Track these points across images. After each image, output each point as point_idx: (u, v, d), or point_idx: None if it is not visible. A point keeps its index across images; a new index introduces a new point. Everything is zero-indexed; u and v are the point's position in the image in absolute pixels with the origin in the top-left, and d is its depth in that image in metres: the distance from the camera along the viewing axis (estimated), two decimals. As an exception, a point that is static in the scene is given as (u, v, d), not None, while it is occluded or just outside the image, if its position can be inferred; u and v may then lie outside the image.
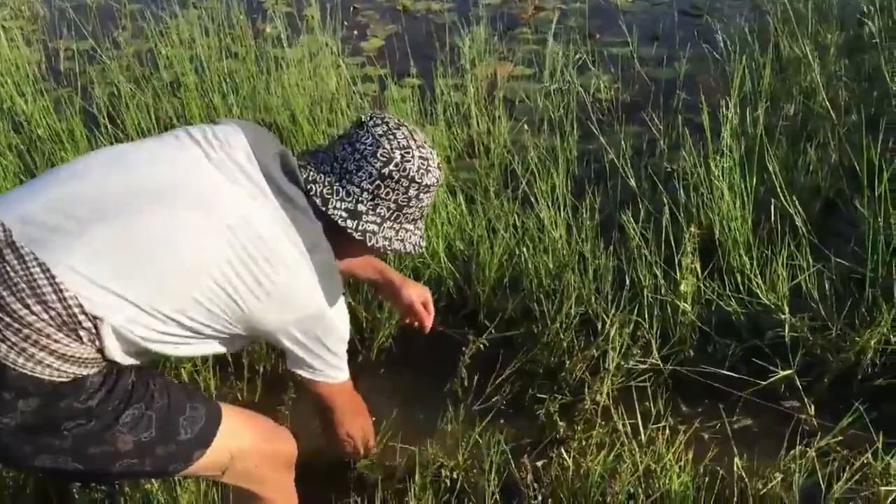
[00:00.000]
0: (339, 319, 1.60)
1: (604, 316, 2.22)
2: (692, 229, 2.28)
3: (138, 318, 1.38)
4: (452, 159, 3.22)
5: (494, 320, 2.43)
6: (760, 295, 2.27)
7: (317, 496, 1.92)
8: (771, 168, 2.53)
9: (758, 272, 2.30)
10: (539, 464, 1.96)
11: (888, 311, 2.08)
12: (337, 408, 1.80)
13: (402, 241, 1.64)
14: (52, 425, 1.37)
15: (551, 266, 2.44)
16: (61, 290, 1.31)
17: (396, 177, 1.56)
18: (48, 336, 1.31)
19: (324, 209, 1.54)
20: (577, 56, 3.77)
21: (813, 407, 2.10)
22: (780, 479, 1.85)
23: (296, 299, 1.50)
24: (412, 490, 1.87)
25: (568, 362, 2.23)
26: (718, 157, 2.49)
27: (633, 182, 2.71)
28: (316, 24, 3.72)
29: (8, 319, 1.30)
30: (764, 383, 2.11)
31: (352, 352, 2.43)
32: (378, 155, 1.55)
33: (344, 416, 1.84)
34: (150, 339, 1.42)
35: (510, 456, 1.92)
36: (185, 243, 1.40)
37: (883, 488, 1.76)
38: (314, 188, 1.55)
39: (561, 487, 1.87)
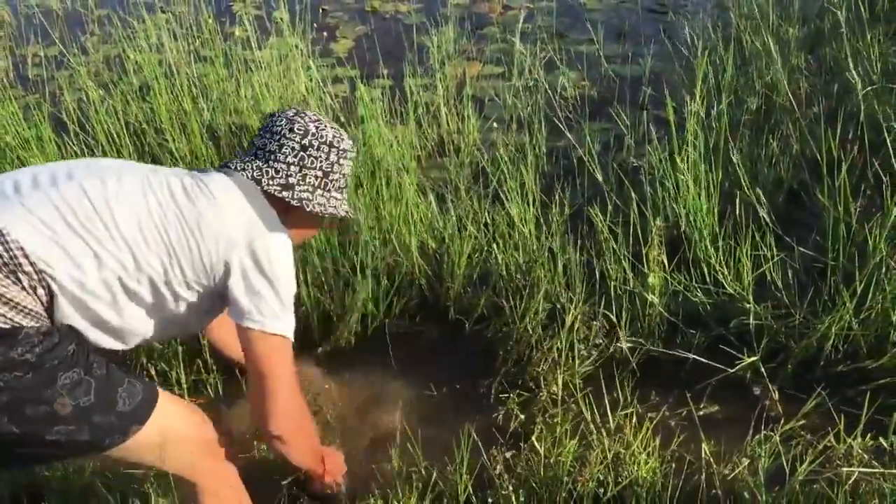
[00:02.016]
0: (280, 247, 1.64)
1: (571, 309, 2.25)
2: (658, 222, 2.32)
3: (85, 266, 1.45)
4: (423, 158, 3.25)
5: (465, 317, 2.46)
6: (726, 285, 2.32)
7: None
8: (735, 161, 2.57)
9: (723, 263, 2.35)
10: (509, 455, 1.99)
11: (849, 299, 2.13)
12: (273, 374, 1.63)
13: (334, 207, 1.78)
14: None
15: (521, 262, 2.47)
16: (3, 235, 1.39)
17: (316, 144, 1.73)
18: None
19: (259, 188, 1.68)
20: (545, 54, 3.81)
21: (777, 393, 2.15)
22: (746, 463, 1.90)
23: (231, 219, 1.60)
24: (382, 490, 1.89)
25: (535, 356, 2.26)
26: (683, 152, 2.54)
27: (600, 177, 2.75)
28: (285, 26, 3.73)
29: None
30: (730, 371, 2.15)
31: (318, 345, 2.47)
32: (295, 129, 1.73)
33: (279, 386, 1.65)
34: (99, 292, 1.48)
35: (482, 449, 1.95)
36: (123, 195, 1.53)
37: (845, 469, 1.80)
38: (245, 174, 1.69)
39: (533, 477, 1.90)
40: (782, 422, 1.97)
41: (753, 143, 2.91)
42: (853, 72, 2.80)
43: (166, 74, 3.50)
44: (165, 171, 1.66)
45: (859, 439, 1.85)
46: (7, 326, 1.38)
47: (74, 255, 1.45)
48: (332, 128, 1.78)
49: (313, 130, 1.74)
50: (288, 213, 1.72)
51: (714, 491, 1.91)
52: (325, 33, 4.58)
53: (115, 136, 3.20)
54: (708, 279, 2.36)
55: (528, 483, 1.91)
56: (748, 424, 2.02)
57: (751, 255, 2.30)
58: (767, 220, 2.43)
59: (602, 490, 1.86)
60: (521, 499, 1.87)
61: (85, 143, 3.23)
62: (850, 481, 1.79)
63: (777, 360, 2.23)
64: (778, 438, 1.87)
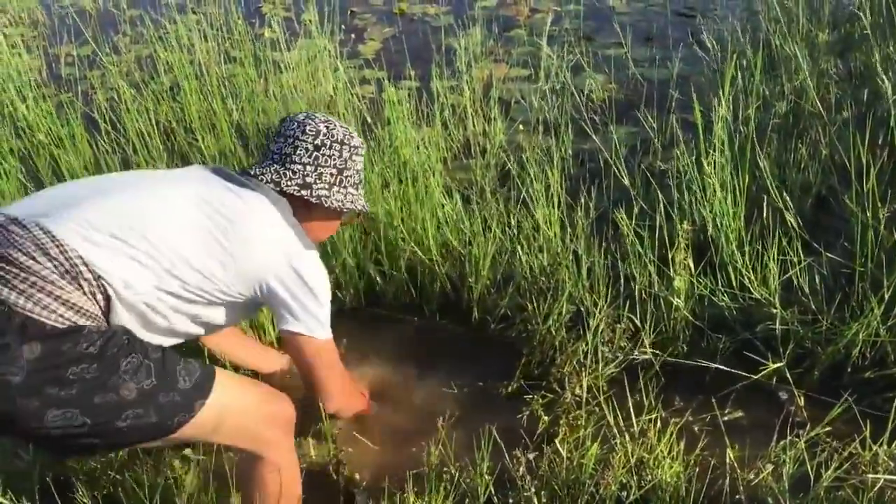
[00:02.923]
0: (316, 263, 1.76)
1: (595, 312, 2.25)
2: (685, 226, 2.31)
3: (136, 273, 1.53)
4: (449, 160, 3.26)
5: (489, 317, 2.47)
6: (752, 289, 2.31)
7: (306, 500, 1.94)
8: (763, 165, 2.56)
9: (750, 267, 2.34)
10: (532, 456, 1.99)
11: (877, 305, 2.12)
12: (322, 369, 1.82)
13: (352, 202, 1.88)
14: (57, 373, 1.41)
15: (545, 264, 2.47)
16: (62, 245, 1.47)
17: (328, 143, 1.82)
18: (52, 283, 1.44)
19: (278, 190, 1.77)
20: (572, 57, 3.81)
21: (803, 399, 2.14)
22: (770, 469, 1.89)
23: (272, 236, 1.70)
24: (409, 489, 1.90)
25: (559, 358, 2.26)
26: (711, 156, 2.53)
27: (626, 181, 2.75)
28: (314, 27, 3.76)
29: (15, 270, 1.42)
30: (755, 376, 2.14)
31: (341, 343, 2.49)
32: (307, 131, 1.82)
33: (329, 379, 1.85)
34: (149, 298, 1.55)
35: (504, 449, 1.95)
36: (171, 210, 1.62)
37: (870, 476, 1.79)
38: (264, 178, 1.78)
39: (554, 479, 1.90)
40: (808, 428, 1.96)
41: (782, 147, 2.89)
42: (882, 76, 2.77)
43: (196, 75, 3.54)
44: (207, 182, 1.73)
45: (885, 446, 1.84)
46: (71, 326, 1.44)
47: (126, 264, 1.52)
48: (342, 127, 1.87)
49: (324, 131, 1.83)
50: (309, 211, 1.83)
51: (738, 496, 1.90)
52: (352, 35, 4.61)
53: (145, 134, 3.24)
54: (734, 284, 2.35)
55: (550, 485, 1.91)
56: (773, 430, 2.00)
57: (778, 259, 2.29)
58: (795, 224, 2.42)
59: (625, 493, 1.86)
60: (543, 500, 1.88)
61: (116, 141, 3.28)
62: (876, 488, 1.78)
63: (803, 365, 2.22)
64: (803, 444, 1.86)
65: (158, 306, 1.59)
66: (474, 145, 3.29)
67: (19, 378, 1.38)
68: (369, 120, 3.33)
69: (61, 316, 1.43)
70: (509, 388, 2.30)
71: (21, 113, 3.51)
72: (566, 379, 2.19)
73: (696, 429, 2.11)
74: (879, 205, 2.33)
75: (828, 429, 1.95)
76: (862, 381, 2.17)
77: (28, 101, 3.48)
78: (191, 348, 2.17)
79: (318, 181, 1.82)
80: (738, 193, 2.47)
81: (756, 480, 1.89)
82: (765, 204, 2.48)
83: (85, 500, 1.84)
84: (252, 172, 1.80)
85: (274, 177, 1.79)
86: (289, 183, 1.79)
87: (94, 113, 3.41)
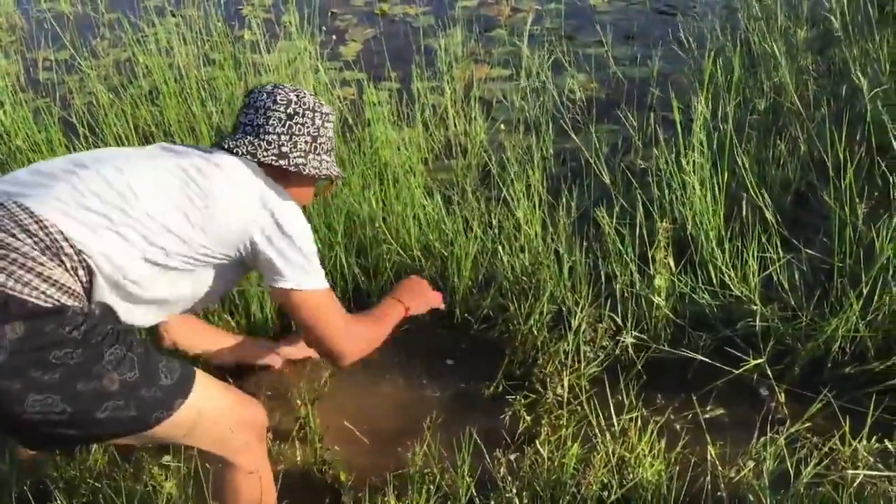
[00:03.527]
0: (296, 212, 1.74)
1: (577, 311, 2.25)
2: (664, 224, 2.32)
3: (117, 245, 1.53)
4: (430, 161, 3.25)
5: (471, 317, 2.47)
6: (732, 287, 2.31)
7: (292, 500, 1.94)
8: (741, 162, 2.57)
9: (730, 264, 2.34)
10: (512, 457, 1.99)
11: (856, 300, 2.13)
12: (319, 322, 1.77)
13: (327, 168, 1.90)
14: (41, 356, 1.40)
15: (527, 263, 2.47)
16: (41, 221, 1.46)
17: (301, 111, 1.83)
18: (33, 259, 1.42)
19: (255, 161, 1.77)
20: (553, 56, 3.81)
21: (783, 395, 2.15)
22: (751, 466, 1.89)
23: (248, 193, 1.70)
24: (390, 490, 1.89)
25: (541, 358, 2.26)
26: (690, 153, 2.54)
27: (607, 179, 2.75)
28: (294, 29, 3.75)
29: None
30: (736, 372, 2.15)
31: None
32: (278, 101, 1.83)
33: (330, 331, 1.79)
34: (131, 270, 1.55)
35: (484, 451, 1.95)
36: (147, 179, 1.61)
37: (850, 472, 1.80)
38: (239, 150, 1.77)
39: (536, 480, 1.90)
40: (787, 424, 1.97)
41: (761, 144, 2.90)
42: (858, 73, 2.79)
43: (176, 78, 3.52)
44: (178, 152, 1.74)
45: (865, 442, 1.84)
46: (54, 305, 1.42)
47: (104, 235, 1.51)
48: (310, 95, 1.88)
49: (295, 99, 1.84)
50: (286, 179, 1.83)
51: (719, 493, 1.90)
52: (333, 36, 4.59)
53: (124, 138, 3.22)
54: (714, 281, 2.36)
55: (532, 486, 1.90)
56: (753, 427, 2.02)
57: (757, 256, 2.30)
58: (774, 221, 2.43)
59: (606, 493, 1.86)
60: (525, 501, 1.87)
61: (94, 145, 3.25)
62: (856, 484, 1.78)
63: (784, 361, 2.22)
64: (783, 441, 1.86)
65: (141, 278, 1.57)
66: (455, 145, 3.29)
67: (2, 357, 1.36)
68: (350, 121, 3.32)
69: (43, 293, 1.41)
70: (491, 389, 2.30)
71: (-2, 118, 3.48)
72: (548, 379, 2.19)
73: (677, 427, 2.11)
74: (857, 201, 2.34)
75: (808, 425, 1.96)
76: (842, 376, 2.17)
77: (6, 107, 3.45)
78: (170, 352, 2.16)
79: (293, 150, 1.83)
80: (717, 191, 2.48)
81: (737, 478, 1.90)
82: (744, 201, 2.49)
83: (63, 509, 1.83)
84: (226, 146, 1.79)
85: (249, 148, 1.78)
86: (265, 153, 1.79)
87: (72, 118, 3.38)
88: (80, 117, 3.34)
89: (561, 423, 2.07)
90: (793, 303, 2.29)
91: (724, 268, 2.34)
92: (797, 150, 2.85)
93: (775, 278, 2.33)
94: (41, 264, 1.43)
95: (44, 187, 1.54)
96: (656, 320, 2.33)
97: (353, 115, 3.38)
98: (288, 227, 1.70)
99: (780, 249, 2.32)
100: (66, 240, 1.47)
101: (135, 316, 1.64)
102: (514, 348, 2.35)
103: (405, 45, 4.33)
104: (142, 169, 1.64)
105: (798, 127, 2.93)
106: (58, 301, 1.43)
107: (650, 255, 2.33)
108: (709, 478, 1.92)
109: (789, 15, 3.69)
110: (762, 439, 1.91)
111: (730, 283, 2.32)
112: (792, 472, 1.82)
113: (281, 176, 1.81)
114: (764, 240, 2.32)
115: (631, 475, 1.87)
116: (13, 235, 1.43)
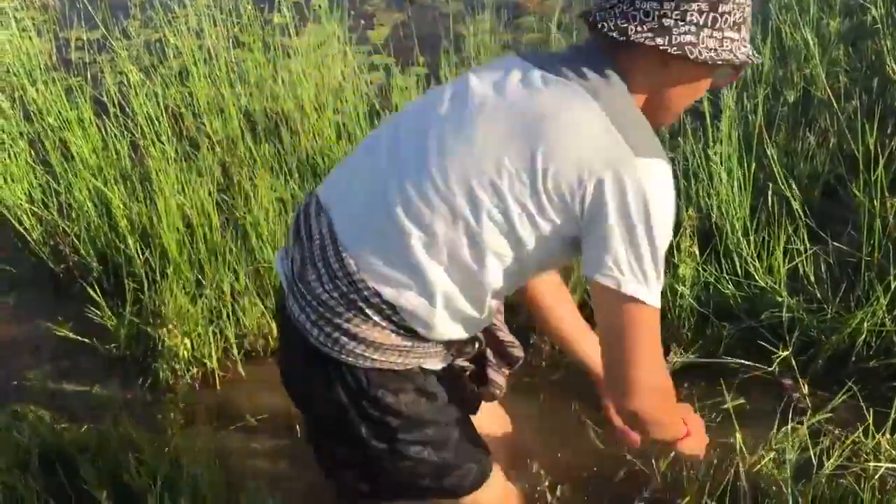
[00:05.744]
0: (662, 187, 1.27)
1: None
2: (690, 213, 2.31)
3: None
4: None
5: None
6: (757, 278, 2.31)
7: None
8: (770, 154, 2.56)
9: (755, 256, 2.34)
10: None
11: (883, 294, 2.12)
12: (630, 339, 1.30)
13: (730, 50, 1.30)
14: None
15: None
16: (352, 276, 1.35)
17: None
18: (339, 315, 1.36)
19: (623, 39, 1.27)
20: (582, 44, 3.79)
21: (807, 387, 2.14)
22: (772, 456, 1.89)
23: (585, 142, 1.26)
24: None
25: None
26: (718, 145, 2.52)
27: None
28: (323, 13, 3.76)
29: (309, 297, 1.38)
30: (760, 364, 2.15)
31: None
32: None
33: (640, 355, 1.30)
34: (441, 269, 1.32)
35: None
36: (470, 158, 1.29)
37: (872, 464, 1.80)
38: (605, 25, 1.29)
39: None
40: (809, 415, 1.96)
41: (790, 136, 2.88)
42: (893, 66, 2.76)
43: (205, 59, 3.54)
44: (505, 93, 1.32)
45: (888, 435, 1.84)
46: (372, 367, 1.40)
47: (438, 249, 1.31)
48: None
49: None
50: (665, 71, 1.32)
51: (740, 483, 1.90)
52: (362, 20, 4.59)
53: (154, 118, 3.25)
54: (739, 272, 2.35)
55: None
56: (776, 417, 2.01)
57: (784, 248, 2.29)
58: (801, 213, 2.41)
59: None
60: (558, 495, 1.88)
61: (124, 125, 3.29)
62: (878, 476, 1.78)
63: (808, 354, 2.22)
64: (806, 432, 1.87)
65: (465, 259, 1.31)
66: (482, 132, 3.28)
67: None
68: (377, 106, 3.33)
69: (363, 355, 1.38)
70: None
71: (31, 96, 3.52)
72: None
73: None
74: (887, 194, 2.32)
75: (830, 416, 1.95)
76: (866, 370, 2.17)
77: (38, 85, 3.50)
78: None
79: (679, 24, 1.26)
80: (744, 181, 2.47)
81: (758, 467, 1.90)
82: (770, 193, 2.47)
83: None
84: (591, 20, 1.32)
85: (620, 22, 1.28)
86: (639, 29, 1.27)
87: (103, 97, 3.41)
88: (110, 96, 3.37)
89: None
90: (818, 295, 2.28)
91: (749, 258, 2.34)
92: (827, 142, 2.83)
93: (801, 270, 2.32)
94: (347, 321, 1.40)
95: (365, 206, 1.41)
96: (680, 309, 2.33)
97: (380, 100, 3.39)
98: (638, 207, 1.25)
99: (806, 241, 2.31)
100: (368, 288, 1.38)
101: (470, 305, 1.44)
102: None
103: (433, 30, 4.32)
104: (464, 147, 1.31)
105: (828, 119, 2.91)
106: (377, 360, 1.42)
107: (674, 244, 2.32)
108: (730, 467, 1.91)
109: (822, 6, 3.65)
110: (783, 429, 1.91)
111: (755, 273, 2.32)
112: (815, 464, 1.82)
113: (655, 67, 1.32)
114: (791, 231, 2.31)
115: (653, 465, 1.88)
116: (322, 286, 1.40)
